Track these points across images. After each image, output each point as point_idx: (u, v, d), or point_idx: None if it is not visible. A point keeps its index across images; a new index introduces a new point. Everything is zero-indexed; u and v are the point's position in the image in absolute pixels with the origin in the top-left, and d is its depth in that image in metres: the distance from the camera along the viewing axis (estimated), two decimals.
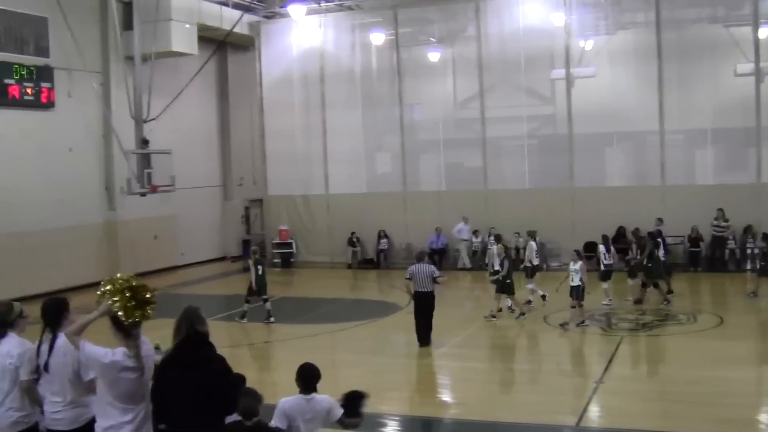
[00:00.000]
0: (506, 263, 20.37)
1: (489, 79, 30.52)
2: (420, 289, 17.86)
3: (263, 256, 21.91)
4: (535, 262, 22.65)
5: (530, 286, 22.38)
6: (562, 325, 19.28)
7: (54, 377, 7.44)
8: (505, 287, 20.40)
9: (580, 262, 19.41)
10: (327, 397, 7.61)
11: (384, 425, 12.84)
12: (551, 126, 30.98)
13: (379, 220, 31.79)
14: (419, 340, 17.93)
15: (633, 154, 30.47)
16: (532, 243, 22.90)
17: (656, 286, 22.19)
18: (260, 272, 21.20)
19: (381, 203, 32.10)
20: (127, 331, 6.91)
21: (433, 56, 31.90)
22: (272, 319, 21.13)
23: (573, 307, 19.38)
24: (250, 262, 21.55)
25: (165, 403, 6.77)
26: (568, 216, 28.43)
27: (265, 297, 21.31)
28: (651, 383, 15.55)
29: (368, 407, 13.03)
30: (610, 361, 16.23)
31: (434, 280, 17.93)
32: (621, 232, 27.58)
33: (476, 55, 30.58)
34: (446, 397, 14.93)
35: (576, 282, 19.20)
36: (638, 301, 21.92)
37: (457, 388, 15.40)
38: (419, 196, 31.88)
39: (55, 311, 7.65)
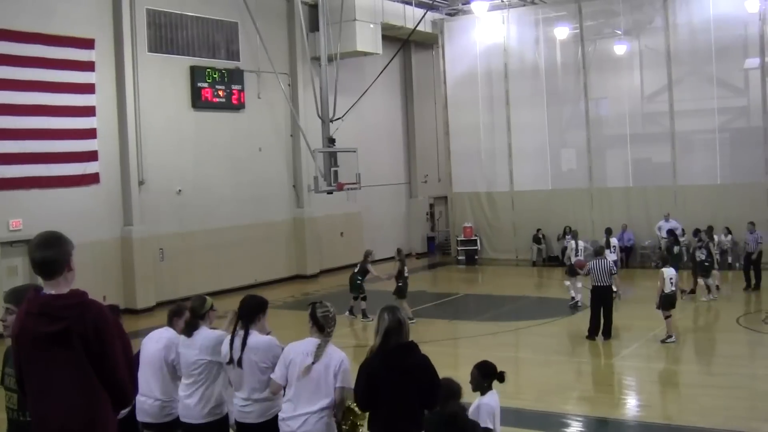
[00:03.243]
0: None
1: (678, 71, 29.73)
2: (598, 284, 18.03)
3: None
4: (573, 260, 23.09)
5: (567, 283, 23.09)
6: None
7: (245, 372, 7.69)
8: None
9: None
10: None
11: (568, 425, 12.74)
12: (744, 118, 29.74)
13: (564, 216, 31.46)
14: (590, 333, 18.16)
15: None
16: (573, 242, 24.19)
17: None
18: (356, 270, 22.56)
19: (566, 200, 31.86)
20: (323, 329, 7.36)
21: (619, 49, 31.21)
22: (355, 316, 22.16)
23: None
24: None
25: (372, 404, 6.92)
26: (764, 212, 27.15)
27: (354, 295, 22.36)
28: None
29: (552, 407, 13.07)
30: None
31: (611, 276, 18.07)
32: None
33: (664, 47, 29.88)
34: (632, 398, 14.61)
35: None
36: None
37: (643, 390, 15.04)
38: (605, 192, 31.40)
39: (253, 309, 7.88)
